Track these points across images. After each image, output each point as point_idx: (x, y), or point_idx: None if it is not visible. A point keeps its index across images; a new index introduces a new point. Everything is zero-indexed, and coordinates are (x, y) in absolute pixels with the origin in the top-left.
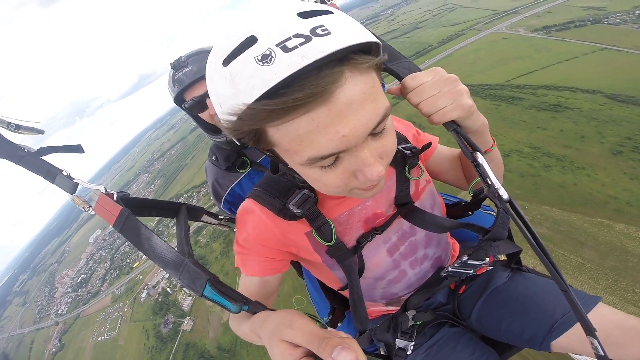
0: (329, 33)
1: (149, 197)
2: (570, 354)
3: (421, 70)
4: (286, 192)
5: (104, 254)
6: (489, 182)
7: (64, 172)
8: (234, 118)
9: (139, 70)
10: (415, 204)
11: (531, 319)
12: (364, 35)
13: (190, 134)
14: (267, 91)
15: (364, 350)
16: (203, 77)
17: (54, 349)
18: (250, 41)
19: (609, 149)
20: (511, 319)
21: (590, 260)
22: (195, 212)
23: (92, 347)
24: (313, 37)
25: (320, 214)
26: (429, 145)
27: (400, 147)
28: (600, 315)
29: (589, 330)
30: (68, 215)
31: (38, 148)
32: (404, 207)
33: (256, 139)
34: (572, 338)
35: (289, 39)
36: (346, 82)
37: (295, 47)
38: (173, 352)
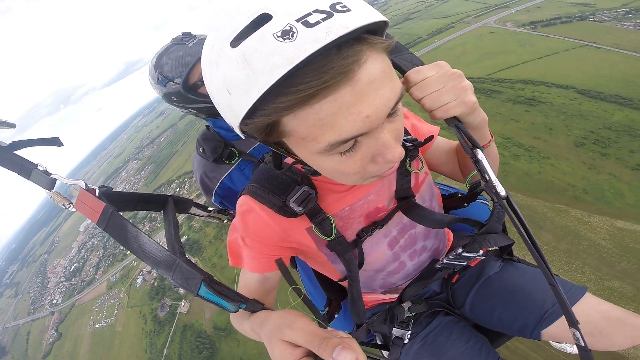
0: (348, 10)
1: (140, 183)
2: (552, 343)
3: (424, 64)
4: (285, 189)
5: (95, 242)
6: (487, 178)
7: (39, 167)
8: (250, 112)
9: (126, 58)
10: (416, 197)
11: (522, 309)
12: (378, 15)
13: (180, 120)
14: (290, 70)
15: (360, 341)
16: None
17: (51, 339)
18: (264, 18)
19: (573, 141)
20: (503, 309)
21: (547, 242)
22: (183, 205)
23: (90, 335)
24: (334, 13)
25: (320, 210)
26: (431, 138)
27: None
28: (588, 306)
29: (572, 322)
30: (55, 204)
31: (10, 142)
32: (404, 201)
33: (268, 131)
34: (561, 327)
35: (310, 14)
36: (367, 60)
37: (318, 22)
38: (171, 334)
